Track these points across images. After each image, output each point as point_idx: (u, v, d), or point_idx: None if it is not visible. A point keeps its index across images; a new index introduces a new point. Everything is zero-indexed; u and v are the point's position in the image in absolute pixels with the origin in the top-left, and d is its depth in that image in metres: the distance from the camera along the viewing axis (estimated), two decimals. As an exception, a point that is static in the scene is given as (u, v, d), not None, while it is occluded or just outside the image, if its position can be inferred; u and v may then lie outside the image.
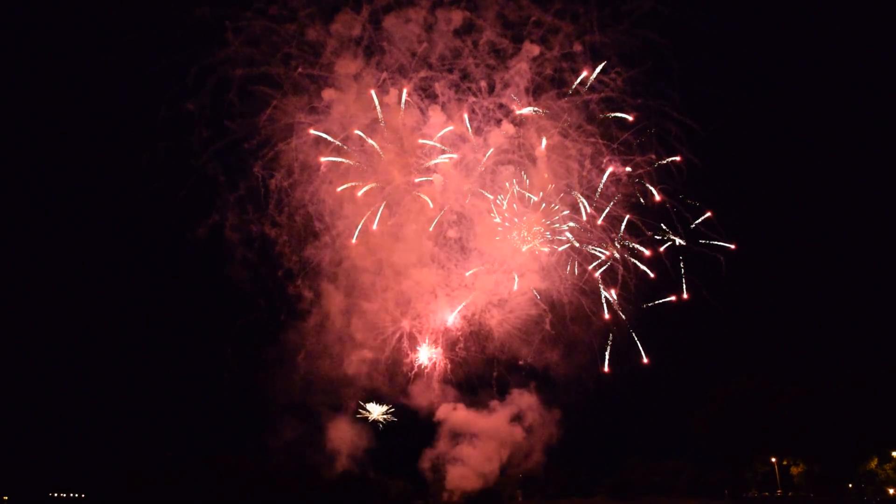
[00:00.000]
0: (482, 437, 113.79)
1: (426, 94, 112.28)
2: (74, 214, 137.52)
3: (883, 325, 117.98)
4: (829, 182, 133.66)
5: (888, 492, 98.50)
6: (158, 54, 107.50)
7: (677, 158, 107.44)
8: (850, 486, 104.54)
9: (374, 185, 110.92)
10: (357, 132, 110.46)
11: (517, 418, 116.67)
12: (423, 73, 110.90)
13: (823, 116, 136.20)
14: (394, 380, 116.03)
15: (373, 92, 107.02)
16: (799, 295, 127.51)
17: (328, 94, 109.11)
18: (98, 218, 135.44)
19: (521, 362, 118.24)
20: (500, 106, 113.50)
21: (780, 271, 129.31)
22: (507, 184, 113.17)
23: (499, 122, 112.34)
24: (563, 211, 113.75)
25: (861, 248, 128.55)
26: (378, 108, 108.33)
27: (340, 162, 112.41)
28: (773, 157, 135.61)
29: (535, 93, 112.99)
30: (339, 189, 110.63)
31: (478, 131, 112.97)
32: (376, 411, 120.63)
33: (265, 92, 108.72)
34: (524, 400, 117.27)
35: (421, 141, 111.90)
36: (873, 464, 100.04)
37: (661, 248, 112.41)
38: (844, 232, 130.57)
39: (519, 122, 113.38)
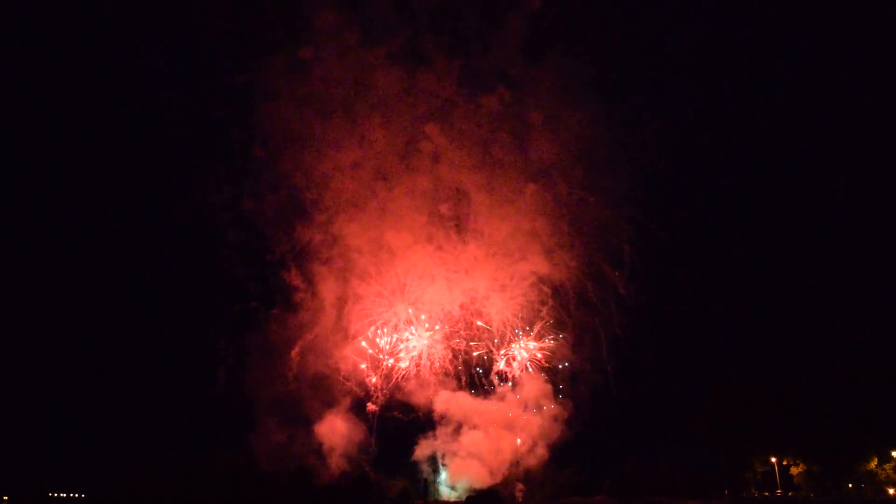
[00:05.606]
0: (486, 428, 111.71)
1: (414, 53, 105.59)
2: (41, 203, 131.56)
3: (882, 325, 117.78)
4: (830, 182, 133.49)
5: (888, 492, 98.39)
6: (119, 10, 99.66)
7: None
8: (850, 486, 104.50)
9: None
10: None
11: (524, 409, 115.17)
12: (410, 29, 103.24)
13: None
14: (391, 373, 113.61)
15: None
16: (799, 295, 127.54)
17: (306, 52, 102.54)
18: (68, 204, 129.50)
19: (513, 355, 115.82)
20: (495, 68, 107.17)
21: (780, 271, 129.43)
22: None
23: (492, 86, 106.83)
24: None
25: (861, 247, 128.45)
26: None
27: (325, 129, 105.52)
28: (773, 155, 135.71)
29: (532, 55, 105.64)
30: None
31: (470, 96, 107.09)
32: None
33: (240, 49, 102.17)
34: (529, 392, 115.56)
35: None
36: (873, 464, 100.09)
37: None
38: (843, 232, 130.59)
39: (515, 86, 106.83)
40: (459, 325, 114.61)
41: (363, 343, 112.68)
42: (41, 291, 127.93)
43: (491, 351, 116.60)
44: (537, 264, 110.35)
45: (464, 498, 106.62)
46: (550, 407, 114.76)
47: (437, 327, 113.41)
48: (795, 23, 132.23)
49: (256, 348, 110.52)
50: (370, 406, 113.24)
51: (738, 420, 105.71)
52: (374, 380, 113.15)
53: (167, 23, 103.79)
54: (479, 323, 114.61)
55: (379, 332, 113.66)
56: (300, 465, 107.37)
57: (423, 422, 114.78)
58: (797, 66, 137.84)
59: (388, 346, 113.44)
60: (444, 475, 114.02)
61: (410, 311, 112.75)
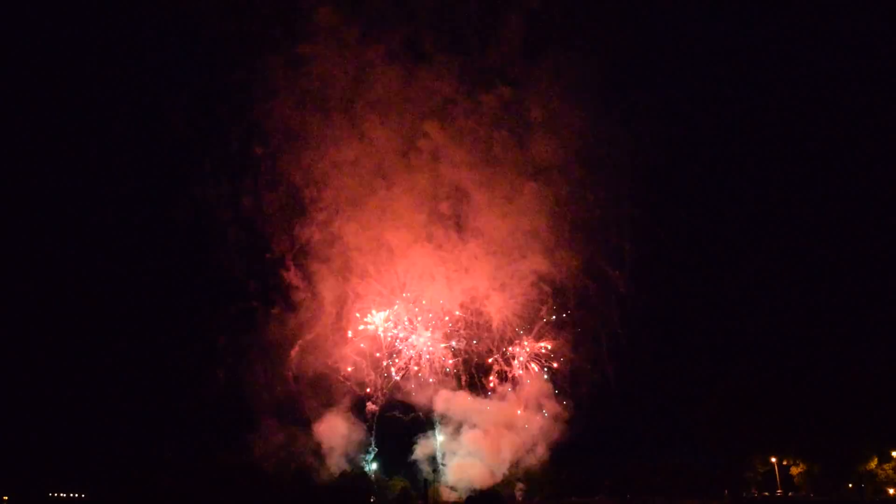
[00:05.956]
0: (486, 428, 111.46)
1: (414, 50, 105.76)
2: (39, 202, 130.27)
3: (882, 325, 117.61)
4: (831, 181, 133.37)
5: (888, 492, 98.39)
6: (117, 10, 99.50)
7: None
8: (850, 486, 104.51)
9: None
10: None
11: (524, 409, 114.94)
12: (410, 27, 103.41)
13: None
14: (391, 373, 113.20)
15: None
16: (798, 295, 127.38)
17: (305, 49, 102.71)
18: (67, 203, 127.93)
19: (513, 354, 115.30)
20: (494, 66, 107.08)
21: (780, 271, 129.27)
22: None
23: (492, 84, 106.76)
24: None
25: (860, 247, 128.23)
26: None
27: (324, 127, 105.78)
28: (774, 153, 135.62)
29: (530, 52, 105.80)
30: None
31: (470, 94, 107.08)
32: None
33: (238, 47, 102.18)
34: (529, 392, 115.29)
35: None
36: (873, 464, 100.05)
37: None
38: (844, 232, 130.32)
39: (515, 84, 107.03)
40: (459, 324, 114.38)
41: (354, 337, 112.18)
42: (40, 290, 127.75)
43: (491, 350, 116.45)
44: (537, 263, 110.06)
45: (464, 498, 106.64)
46: (550, 407, 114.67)
47: (446, 319, 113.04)
48: (796, 21, 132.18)
49: (256, 348, 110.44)
50: (370, 406, 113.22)
51: (738, 420, 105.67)
52: (368, 387, 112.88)
53: (166, 20, 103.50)
54: (478, 322, 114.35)
55: (379, 330, 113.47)
56: (300, 465, 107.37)
57: (423, 422, 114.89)
58: (798, 63, 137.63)
59: (388, 339, 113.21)
60: (444, 475, 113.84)
61: (405, 301, 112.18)
